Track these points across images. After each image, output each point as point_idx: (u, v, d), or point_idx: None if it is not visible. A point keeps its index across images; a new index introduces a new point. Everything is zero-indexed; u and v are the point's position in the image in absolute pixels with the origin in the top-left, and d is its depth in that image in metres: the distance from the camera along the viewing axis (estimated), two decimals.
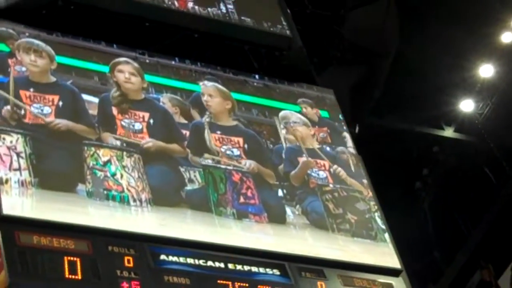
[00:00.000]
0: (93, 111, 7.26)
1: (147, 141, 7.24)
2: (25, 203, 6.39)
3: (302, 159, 7.91)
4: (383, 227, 7.74)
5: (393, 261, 7.48)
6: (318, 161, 7.96)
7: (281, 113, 8.22)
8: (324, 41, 10.34)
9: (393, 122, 11.28)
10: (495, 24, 10.77)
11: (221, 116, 7.84)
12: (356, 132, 10.22)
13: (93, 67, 7.57)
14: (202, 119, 7.70)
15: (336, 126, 8.45)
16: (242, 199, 7.27)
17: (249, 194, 7.33)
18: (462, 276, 11.40)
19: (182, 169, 7.25)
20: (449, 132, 11.54)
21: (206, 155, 7.44)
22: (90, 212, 6.59)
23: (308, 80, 8.75)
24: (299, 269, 6.84)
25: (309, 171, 7.85)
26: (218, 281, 6.42)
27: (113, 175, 6.86)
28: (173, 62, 8.04)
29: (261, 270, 6.69)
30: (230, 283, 6.42)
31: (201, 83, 8.00)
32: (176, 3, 8.13)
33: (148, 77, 7.72)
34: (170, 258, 6.39)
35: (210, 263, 6.51)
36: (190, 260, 6.45)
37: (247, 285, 6.48)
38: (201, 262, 6.47)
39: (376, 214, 7.82)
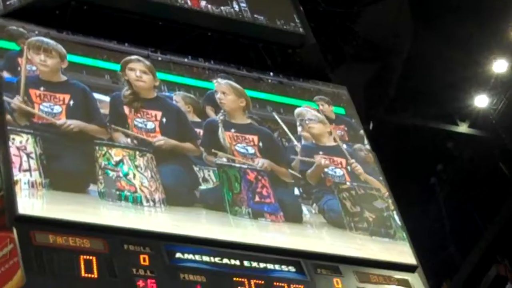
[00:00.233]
0: (105, 110, 6.97)
1: (159, 139, 6.96)
2: (35, 205, 6.12)
3: (318, 157, 7.60)
4: (400, 223, 7.45)
5: (409, 257, 7.20)
6: (335, 158, 7.66)
7: (297, 110, 7.92)
8: (337, 39, 10.21)
9: (407, 118, 11.28)
10: (508, 20, 10.60)
11: (235, 114, 7.53)
12: (370, 129, 9.94)
13: (104, 65, 7.30)
14: (216, 117, 7.42)
15: (353, 123, 8.15)
16: (257, 198, 6.98)
17: (264, 193, 7.04)
18: (478, 271, 11.22)
19: (196, 168, 6.97)
20: (463, 128, 11.40)
21: (220, 153, 7.15)
22: (102, 213, 6.34)
23: (322, 77, 8.55)
24: (314, 266, 6.61)
25: (325, 169, 7.54)
26: (234, 279, 6.21)
27: (126, 175, 6.59)
28: (186, 60, 7.78)
29: (277, 267, 6.47)
30: (246, 280, 6.22)
31: (214, 81, 7.71)
32: (189, 2, 7.94)
33: (161, 75, 7.43)
34: (186, 256, 6.18)
35: (225, 260, 6.30)
36: (205, 258, 6.24)
37: (262, 282, 6.27)
38: (216, 259, 6.27)
39: (394, 212, 7.52)
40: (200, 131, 7.24)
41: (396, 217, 7.44)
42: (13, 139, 6.32)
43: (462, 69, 10.62)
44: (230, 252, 6.34)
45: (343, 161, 7.63)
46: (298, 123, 7.76)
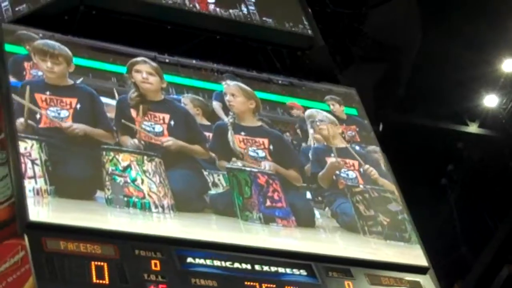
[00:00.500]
0: (111, 114, 6.62)
1: (168, 139, 6.61)
2: (41, 213, 5.77)
3: (330, 160, 7.25)
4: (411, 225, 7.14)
5: (421, 259, 6.89)
6: (347, 160, 7.28)
7: (307, 112, 7.53)
8: (346, 40, 9.87)
9: (417, 118, 10.84)
10: None
11: (245, 116, 7.16)
12: (380, 130, 9.72)
13: (111, 68, 6.95)
14: (225, 120, 7.07)
15: (365, 124, 7.78)
16: (268, 203, 6.64)
17: (275, 197, 6.69)
18: (489, 271, 10.85)
19: (205, 173, 6.62)
20: (473, 128, 11.01)
21: (229, 157, 6.80)
22: (110, 220, 6.00)
23: (331, 79, 8.23)
24: (326, 269, 6.34)
25: (337, 172, 7.18)
26: (245, 283, 5.98)
27: (134, 180, 6.24)
28: (194, 61, 7.41)
29: (288, 270, 6.21)
30: (257, 284, 6.00)
31: (223, 83, 7.33)
32: (197, 5, 7.62)
33: (168, 77, 7.05)
34: (197, 260, 5.94)
35: (236, 265, 6.06)
36: (216, 262, 5.99)
37: (274, 286, 6.05)
38: (227, 264, 6.02)
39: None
40: (209, 135, 6.89)
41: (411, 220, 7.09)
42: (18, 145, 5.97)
43: (471, 68, 10.31)
44: (241, 256, 6.11)
45: (356, 163, 7.27)
46: (309, 125, 7.41)
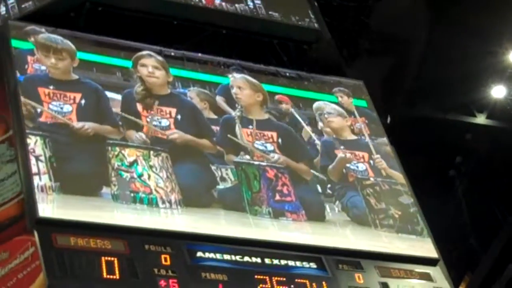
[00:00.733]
0: (117, 109, 6.38)
1: (173, 132, 6.39)
2: (45, 210, 5.54)
3: (339, 152, 7.00)
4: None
5: (431, 251, 6.67)
6: (357, 153, 7.04)
7: (315, 104, 7.29)
8: (352, 33, 9.67)
9: (424, 110, 10.58)
10: None
11: (253, 109, 6.92)
12: (388, 123, 9.48)
13: (116, 62, 6.72)
14: (232, 114, 6.82)
15: (374, 116, 7.52)
16: (278, 197, 6.42)
17: (285, 191, 6.46)
18: (499, 263, 10.64)
19: (213, 167, 6.40)
20: (481, 119, 10.73)
21: (237, 151, 6.55)
22: (117, 216, 5.81)
23: (338, 72, 7.99)
24: (336, 262, 6.20)
25: (347, 164, 6.93)
26: (256, 276, 5.84)
27: (140, 176, 6.03)
28: (199, 55, 7.17)
29: (298, 264, 6.07)
30: (267, 277, 5.86)
31: (230, 75, 7.09)
32: (203, 0, 7.44)
33: (174, 71, 6.83)
34: (207, 255, 5.80)
35: (246, 258, 5.91)
36: (226, 256, 5.85)
37: (284, 279, 5.90)
38: (237, 258, 5.89)
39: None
40: (216, 128, 6.65)
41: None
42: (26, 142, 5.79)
43: (478, 60, 10.09)
44: (251, 250, 5.97)
45: (366, 155, 7.03)
46: (317, 118, 7.16)
